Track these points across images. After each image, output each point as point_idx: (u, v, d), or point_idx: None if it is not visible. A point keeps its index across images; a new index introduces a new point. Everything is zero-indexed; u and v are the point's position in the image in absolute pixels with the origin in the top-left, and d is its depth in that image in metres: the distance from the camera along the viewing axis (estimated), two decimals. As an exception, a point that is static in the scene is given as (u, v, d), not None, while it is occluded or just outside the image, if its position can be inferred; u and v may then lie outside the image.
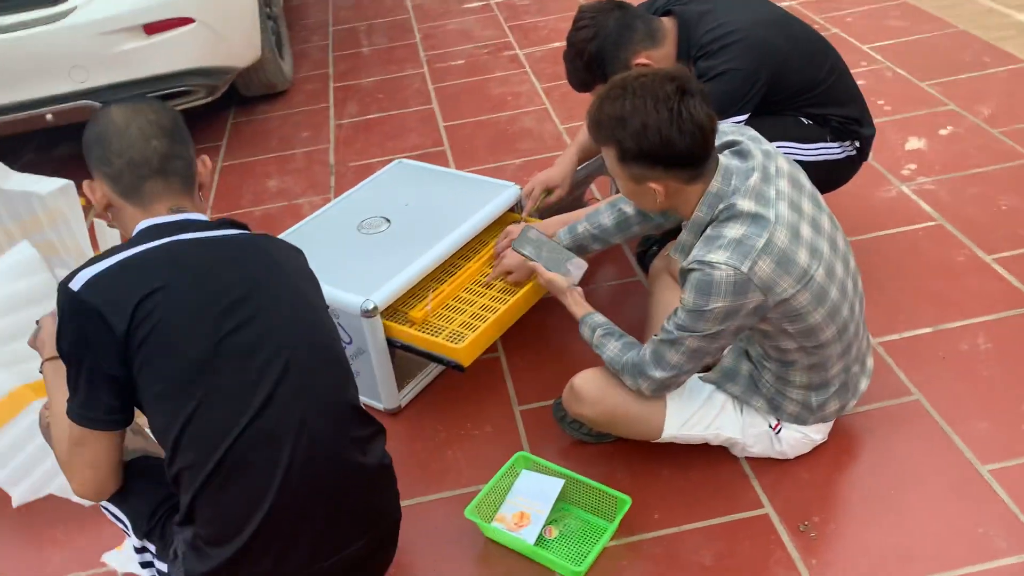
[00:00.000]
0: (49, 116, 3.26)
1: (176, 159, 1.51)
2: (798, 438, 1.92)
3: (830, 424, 1.96)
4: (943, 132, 3.12)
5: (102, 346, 1.36)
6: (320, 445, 1.44)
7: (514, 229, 2.24)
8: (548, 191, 2.43)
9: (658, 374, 1.77)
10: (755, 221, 1.62)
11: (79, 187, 1.75)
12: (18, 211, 2.68)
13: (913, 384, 2.13)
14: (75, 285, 1.38)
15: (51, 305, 2.07)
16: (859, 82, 3.46)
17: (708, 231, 1.67)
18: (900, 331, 2.30)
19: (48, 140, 4.12)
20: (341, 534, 1.51)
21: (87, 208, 2.61)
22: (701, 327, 1.66)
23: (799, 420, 1.89)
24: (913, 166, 2.95)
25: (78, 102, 3.23)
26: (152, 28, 3.22)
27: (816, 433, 1.93)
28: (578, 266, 2.06)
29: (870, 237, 2.65)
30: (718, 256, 1.60)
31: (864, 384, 1.93)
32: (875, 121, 2.30)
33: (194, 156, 1.57)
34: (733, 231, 1.62)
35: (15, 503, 2.06)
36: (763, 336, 1.79)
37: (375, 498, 1.57)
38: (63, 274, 2.23)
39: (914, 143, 3.08)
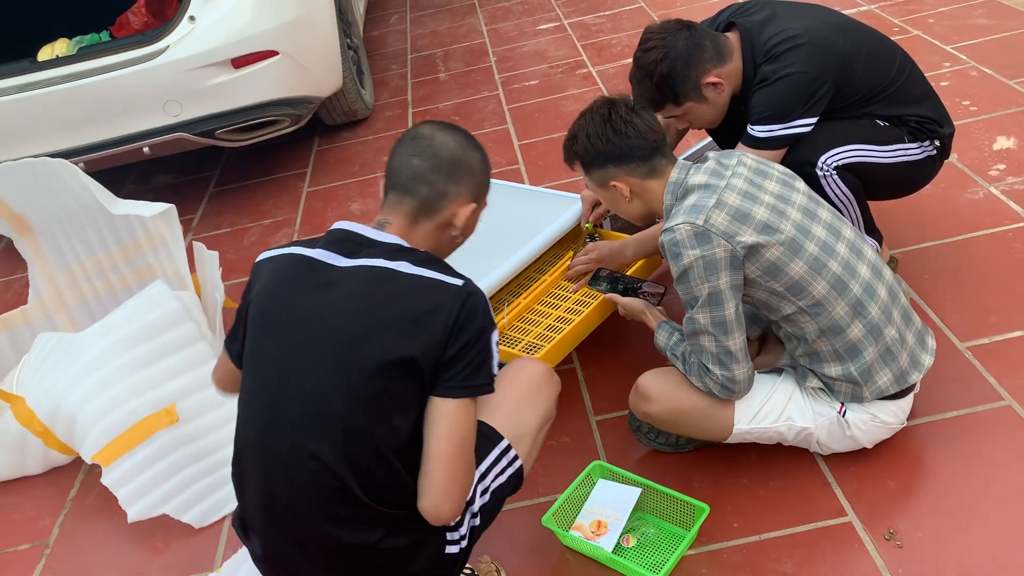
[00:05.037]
0: (146, 149, 3.45)
1: (423, 184, 1.54)
2: (866, 419, 1.87)
3: (903, 408, 1.90)
4: (1034, 130, 3.01)
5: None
6: (285, 504, 1.47)
7: (592, 247, 2.32)
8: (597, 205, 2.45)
9: (715, 369, 1.80)
10: (705, 189, 1.79)
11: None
12: (121, 236, 2.85)
13: (1005, 389, 2.06)
14: (257, 258, 1.62)
15: (187, 352, 2.32)
16: (943, 83, 3.39)
17: (672, 212, 1.84)
18: (991, 335, 2.22)
19: (147, 171, 4.36)
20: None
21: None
22: (695, 292, 1.76)
23: (856, 398, 1.86)
24: (1002, 166, 2.85)
25: (172, 135, 3.41)
26: (239, 62, 3.38)
27: (887, 415, 1.88)
28: (654, 289, 2.07)
29: (958, 240, 2.57)
30: (675, 220, 1.78)
31: (927, 360, 1.87)
32: (960, 122, 2.24)
33: (454, 195, 1.56)
34: (687, 202, 1.80)
35: (131, 519, 2.17)
36: (766, 309, 1.84)
37: (356, 569, 1.51)
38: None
39: (1003, 142, 2.97)
